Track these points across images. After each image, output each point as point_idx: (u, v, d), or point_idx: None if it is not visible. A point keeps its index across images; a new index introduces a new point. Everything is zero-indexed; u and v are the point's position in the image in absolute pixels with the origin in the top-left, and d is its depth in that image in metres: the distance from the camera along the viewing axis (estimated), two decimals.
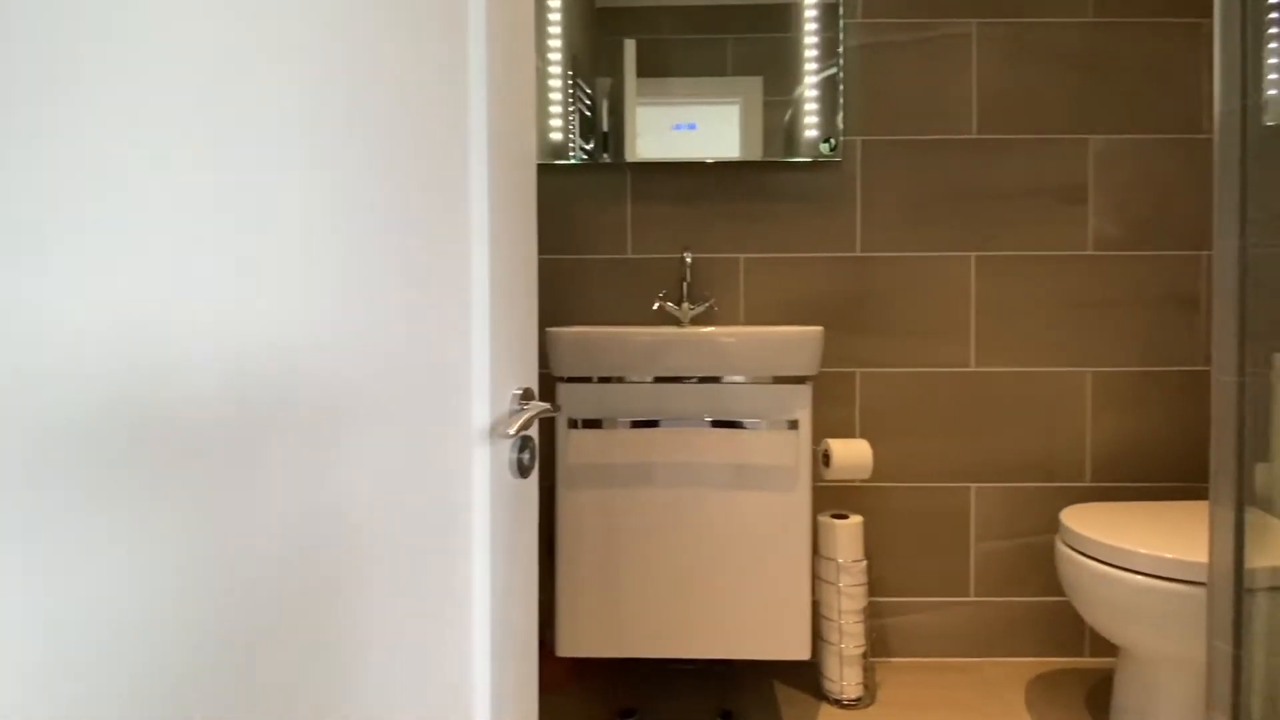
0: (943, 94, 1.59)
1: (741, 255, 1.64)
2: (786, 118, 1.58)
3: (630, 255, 1.64)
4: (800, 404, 1.32)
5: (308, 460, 0.39)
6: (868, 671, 1.54)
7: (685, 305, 1.58)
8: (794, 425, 1.31)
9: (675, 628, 1.32)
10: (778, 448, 1.31)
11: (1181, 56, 1.57)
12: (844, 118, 1.57)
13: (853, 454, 1.46)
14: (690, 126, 1.60)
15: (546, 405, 0.71)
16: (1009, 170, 1.59)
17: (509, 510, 0.73)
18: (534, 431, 0.74)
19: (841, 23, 1.55)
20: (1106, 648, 1.61)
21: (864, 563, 1.48)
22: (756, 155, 1.59)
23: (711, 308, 1.62)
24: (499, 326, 0.69)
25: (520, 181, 0.73)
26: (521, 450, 0.72)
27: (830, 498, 1.60)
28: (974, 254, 1.59)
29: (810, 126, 1.56)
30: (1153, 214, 1.57)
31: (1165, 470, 1.58)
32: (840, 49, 1.56)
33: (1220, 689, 0.78)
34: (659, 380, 1.32)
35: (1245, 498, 0.79)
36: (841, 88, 1.56)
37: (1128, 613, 1.19)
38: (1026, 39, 1.58)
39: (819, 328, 1.30)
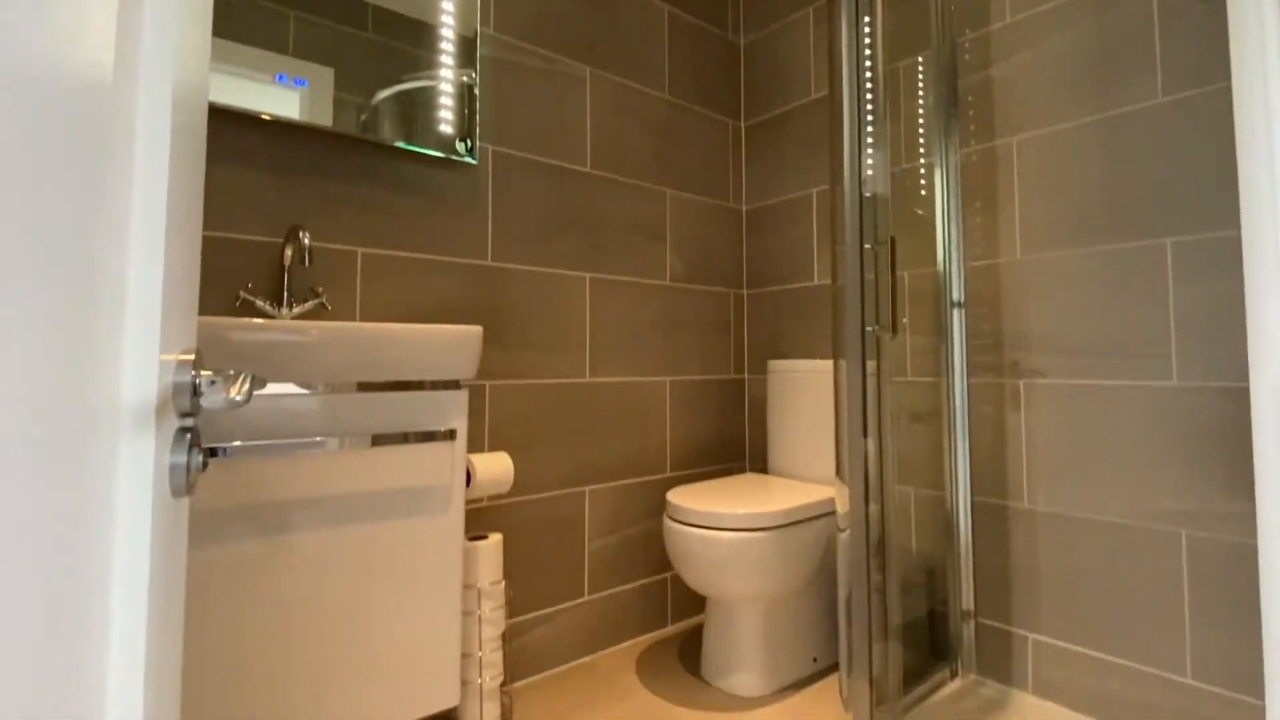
0: (564, 125, 1.71)
1: (360, 249, 1.40)
2: (362, 119, 1.39)
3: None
4: (456, 412, 1.18)
5: None
6: (505, 702, 1.45)
7: (285, 305, 1.25)
8: (450, 436, 1.17)
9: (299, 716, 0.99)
10: (432, 464, 1.14)
11: (720, 144, 2.08)
12: (480, 124, 1.53)
13: (495, 469, 1.39)
14: (300, 83, 1.30)
15: (251, 373, 0.44)
16: (613, 206, 1.80)
17: (168, 560, 0.43)
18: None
19: (478, 29, 1.52)
20: (685, 612, 1.92)
21: (503, 583, 1.40)
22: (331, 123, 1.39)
23: (322, 306, 1.33)
24: (176, 231, 0.42)
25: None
26: (190, 449, 0.44)
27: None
28: (589, 275, 1.74)
29: (445, 122, 1.46)
30: (703, 258, 2.02)
31: (716, 455, 2.02)
32: (477, 55, 1.52)
33: (859, 596, 1.01)
34: (283, 390, 1.00)
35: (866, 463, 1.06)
36: (478, 93, 1.52)
37: (719, 563, 1.44)
38: (625, 98, 1.84)
39: (478, 327, 1.20)
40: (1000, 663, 1.47)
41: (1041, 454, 1.44)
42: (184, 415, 0.43)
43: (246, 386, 0.40)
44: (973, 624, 1.49)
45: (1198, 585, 1.23)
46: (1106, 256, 1.38)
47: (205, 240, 1.22)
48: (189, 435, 0.42)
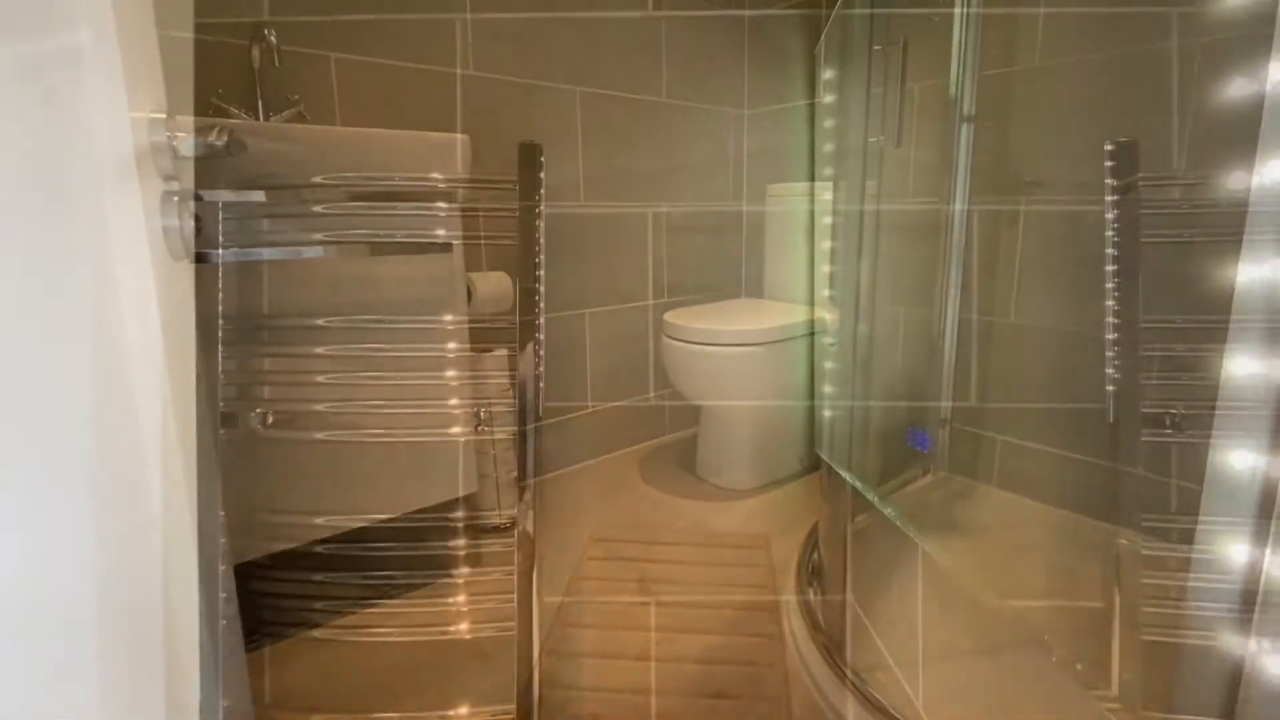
0: None
1: (333, 54, 1.31)
2: None
3: None
4: (451, 223, 1.18)
5: None
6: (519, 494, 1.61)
7: (262, 114, 1.20)
8: (446, 248, 1.18)
9: (329, 502, 1.11)
10: (431, 275, 1.17)
11: None
12: None
13: (494, 286, 1.42)
14: None
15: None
16: (603, 5, 1.65)
17: (179, 315, 0.46)
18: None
19: None
20: (682, 425, 2.05)
21: (511, 390, 1.49)
22: None
23: (300, 115, 1.28)
24: None
25: None
26: (180, 213, 0.45)
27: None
28: (579, 89, 1.64)
29: None
30: (704, 72, 1.89)
31: (713, 283, 2.05)
32: None
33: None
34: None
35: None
36: None
37: (713, 376, 1.52)
38: None
39: (466, 135, 1.16)
40: (970, 462, 1.60)
41: (1033, 269, 1.45)
42: (169, 179, 0.44)
43: (226, 135, 0.40)
44: (948, 429, 1.60)
45: None
46: (1134, 59, 1.28)
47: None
48: (176, 199, 0.44)
